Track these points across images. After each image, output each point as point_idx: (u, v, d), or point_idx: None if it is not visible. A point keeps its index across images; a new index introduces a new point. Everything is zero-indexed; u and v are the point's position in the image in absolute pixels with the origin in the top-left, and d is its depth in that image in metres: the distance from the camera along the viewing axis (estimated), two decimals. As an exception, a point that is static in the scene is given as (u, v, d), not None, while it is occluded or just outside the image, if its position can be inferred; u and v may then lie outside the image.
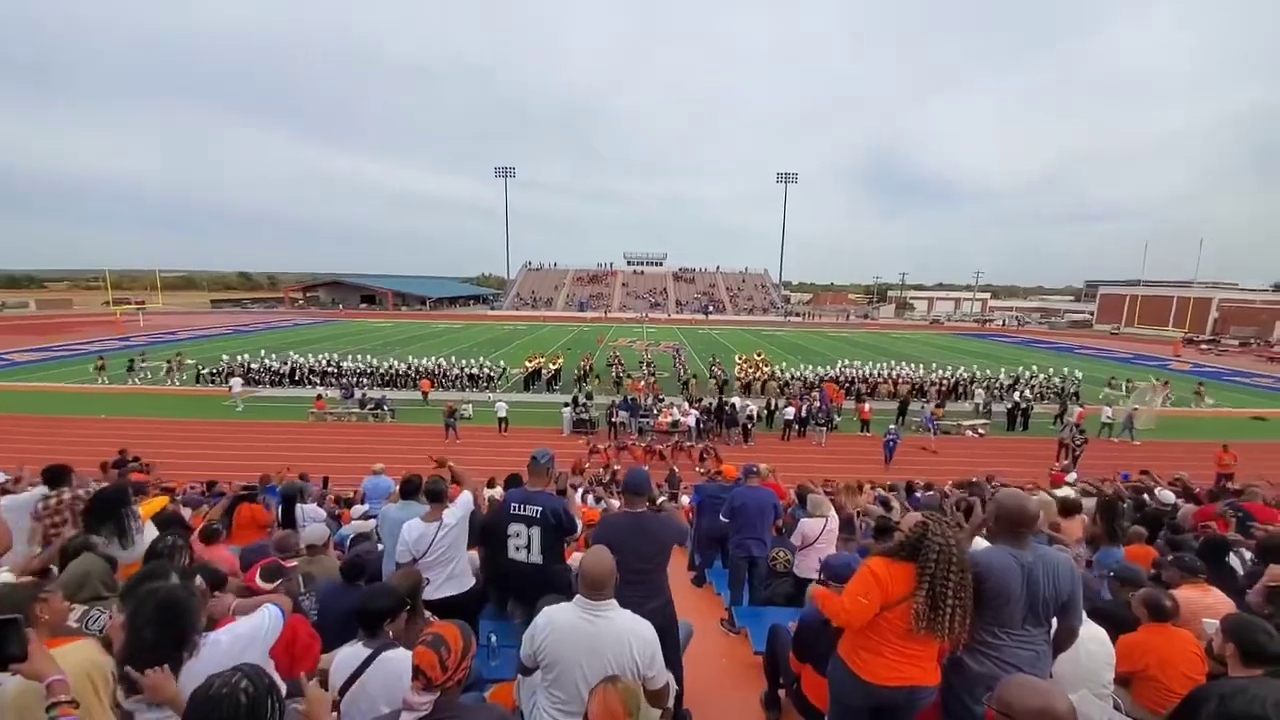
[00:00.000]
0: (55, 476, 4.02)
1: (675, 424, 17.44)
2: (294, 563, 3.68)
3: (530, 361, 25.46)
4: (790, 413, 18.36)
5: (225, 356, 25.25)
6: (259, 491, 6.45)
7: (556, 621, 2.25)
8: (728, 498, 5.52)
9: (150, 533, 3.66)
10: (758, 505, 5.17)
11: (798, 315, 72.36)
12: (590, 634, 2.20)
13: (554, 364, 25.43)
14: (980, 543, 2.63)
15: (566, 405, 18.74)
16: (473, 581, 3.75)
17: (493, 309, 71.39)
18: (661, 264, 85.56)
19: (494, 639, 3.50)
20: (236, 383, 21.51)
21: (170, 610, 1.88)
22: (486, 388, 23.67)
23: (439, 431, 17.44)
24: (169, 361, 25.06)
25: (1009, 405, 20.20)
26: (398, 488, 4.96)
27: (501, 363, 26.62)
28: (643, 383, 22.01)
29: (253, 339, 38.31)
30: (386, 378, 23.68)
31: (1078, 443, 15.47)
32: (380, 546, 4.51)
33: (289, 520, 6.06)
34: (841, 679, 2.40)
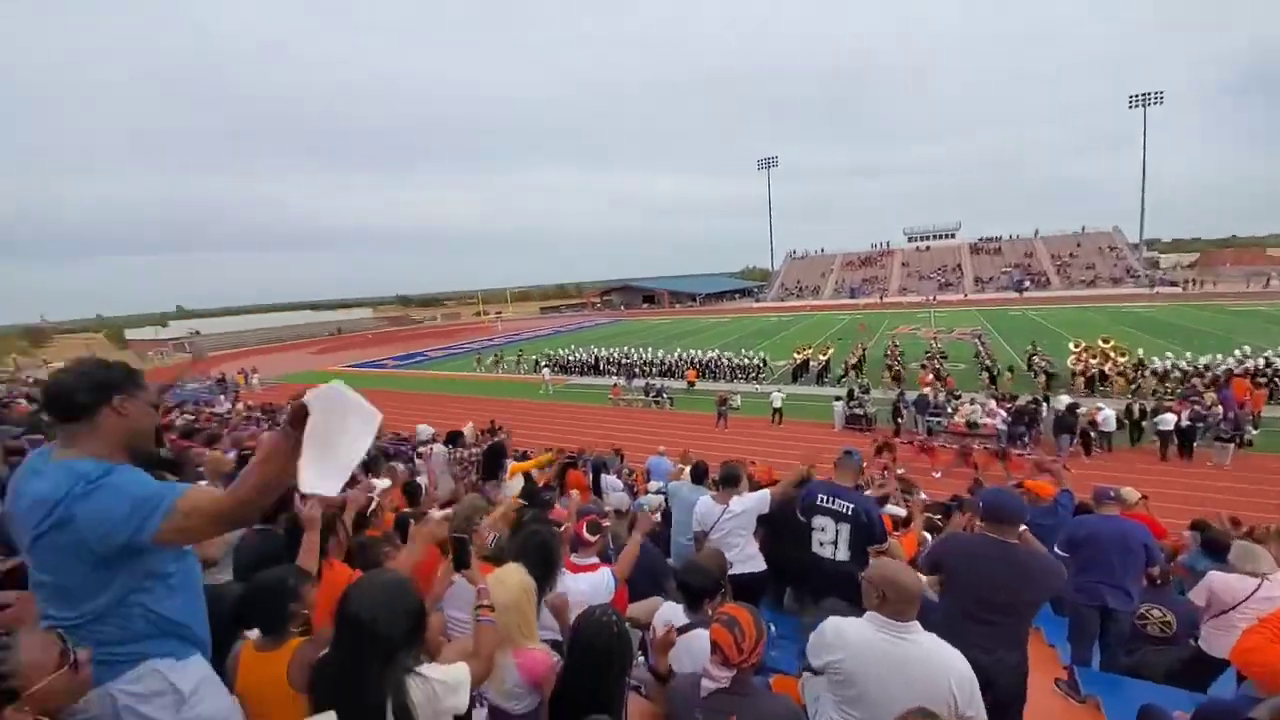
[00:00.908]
0: (453, 437, 5.85)
1: (974, 425, 14.63)
2: (608, 522, 4.41)
3: (798, 353, 24.82)
4: (1169, 420, 13.37)
5: (563, 350, 32.02)
6: (579, 460, 7.97)
7: (849, 637, 2.03)
8: (1064, 524, 4.32)
9: (514, 484, 4.88)
10: (1118, 541, 3.90)
11: (1173, 284, 51.99)
12: (895, 658, 1.95)
13: (823, 355, 24.25)
14: None
15: (839, 399, 17.68)
16: (764, 566, 3.85)
17: (758, 301, 72.19)
18: (954, 235, 72.91)
19: (773, 628, 3.51)
20: (546, 371, 27.27)
21: (544, 549, 2.51)
22: (754, 378, 24.07)
23: (710, 419, 18.54)
24: (517, 356, 33.43)
25: None
26: (683, 468, 5.50)
27: (761, 354, 26.21)
28: (931, 375, 19.17)
29: (567, 337, 47.68)
30: (663, 368, 26.32)
31: None
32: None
33: (596, 487, 7.30)
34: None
